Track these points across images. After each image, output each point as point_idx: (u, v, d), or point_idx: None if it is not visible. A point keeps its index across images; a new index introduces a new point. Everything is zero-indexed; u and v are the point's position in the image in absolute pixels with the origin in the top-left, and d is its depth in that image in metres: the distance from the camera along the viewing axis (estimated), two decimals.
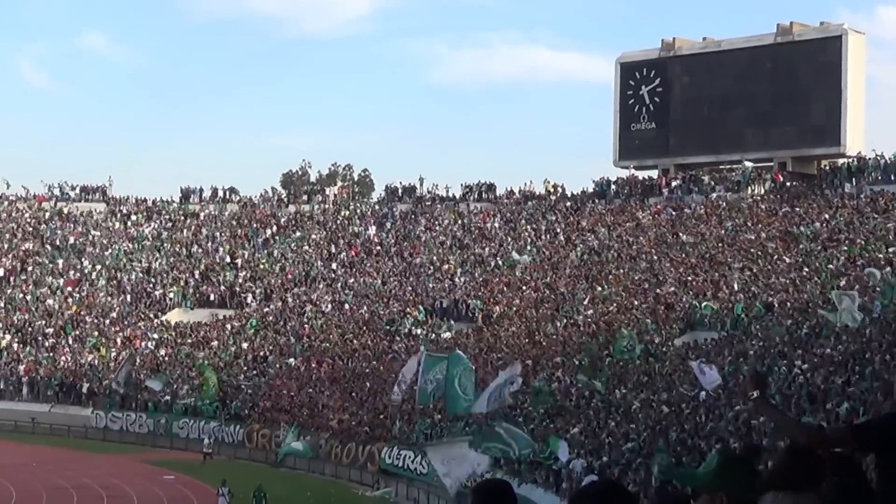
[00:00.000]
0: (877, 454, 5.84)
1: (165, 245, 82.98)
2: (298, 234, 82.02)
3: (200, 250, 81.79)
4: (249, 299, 74.08)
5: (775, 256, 57.73)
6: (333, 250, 78.67)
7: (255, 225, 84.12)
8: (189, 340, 69.68)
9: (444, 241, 75.05)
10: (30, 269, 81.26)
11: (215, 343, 68.17)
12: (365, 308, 68.36)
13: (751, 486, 5.61)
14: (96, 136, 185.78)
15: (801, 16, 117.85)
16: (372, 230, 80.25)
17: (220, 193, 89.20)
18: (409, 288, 69.50)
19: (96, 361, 68.45)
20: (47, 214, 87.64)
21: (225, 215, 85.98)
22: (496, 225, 75.21)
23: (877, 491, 5.85)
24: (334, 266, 76.38)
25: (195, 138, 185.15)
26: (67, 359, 69.26)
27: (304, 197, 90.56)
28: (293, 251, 79.76)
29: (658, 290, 58.09)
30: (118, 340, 70.96)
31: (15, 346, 71.71)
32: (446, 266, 71.14)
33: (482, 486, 5.84)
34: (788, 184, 67.38)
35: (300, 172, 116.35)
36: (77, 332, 72.43)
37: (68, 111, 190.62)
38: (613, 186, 75.22)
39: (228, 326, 70.48)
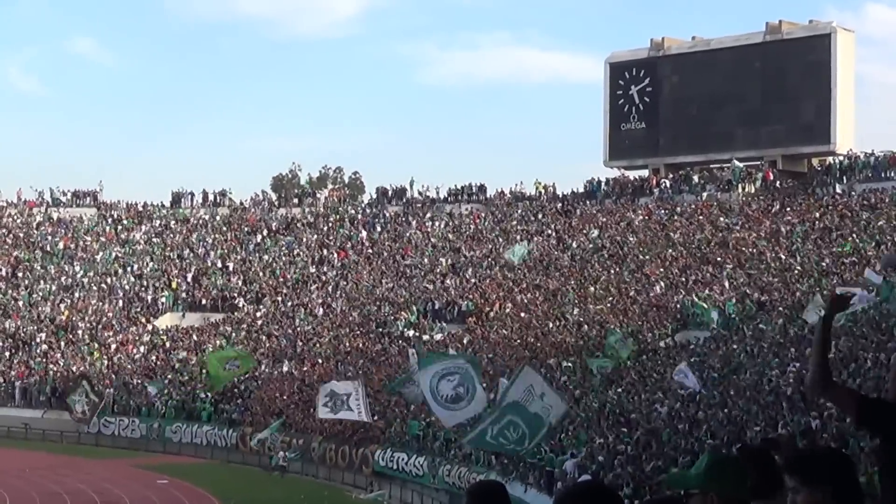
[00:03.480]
0: (881, 438, 5.80)
1: (157, 249, 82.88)
2: (290, 237, 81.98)
3: (192, 254, 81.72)
4: (241, 303, 74.03)
5: (766, 255, 57.84)
6: (325, 253, 78.64)
7: (246, 228, 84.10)
8: (182, 344, 69.66)
9: (435, 243, 75.06)
10: (21, 274, 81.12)
11: (208, 347, 68.12)
12: (357, 310, 68.36)
13: (740, 485, 5.62)
14: (86, 140, 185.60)
15: (790, 14, 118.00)
16: (363, 233, 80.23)
17: (211, 197, 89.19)
18: (401, 290, 69.50)
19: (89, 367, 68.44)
20: (38, 220, 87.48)
21: (216, 219, 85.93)
22: (487, 226, 75.24)
23: (881, 481, 5.80)
24: (326, 269, 76.35)
25: (185, 142, 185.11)
26: (60, 364, 69.15)
27: (295, 200, 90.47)
28: (284, 254, 79.74)
29: (649, 290, 58.18)
30: (111, 346, 70.88)
31: (7, 352, 71.56)
32: (438, 267, 71.16)
33: (477, 487, 5.86)
34: (779, 183, 67.49)
35: (290, 175, 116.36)
36: (69, 338, 72.29)
37: (58, 116, 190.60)
38: (604, 187, 75.31)
39: (220, 330, 70.48)
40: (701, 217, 65.75)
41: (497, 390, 41.09)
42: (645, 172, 74.52)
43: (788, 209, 63.23)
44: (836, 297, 6.27)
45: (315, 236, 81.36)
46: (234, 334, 69.39)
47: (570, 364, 50.29)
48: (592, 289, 60.60)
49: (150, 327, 73.23)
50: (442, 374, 38.09)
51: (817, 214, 61.01)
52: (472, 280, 67.83)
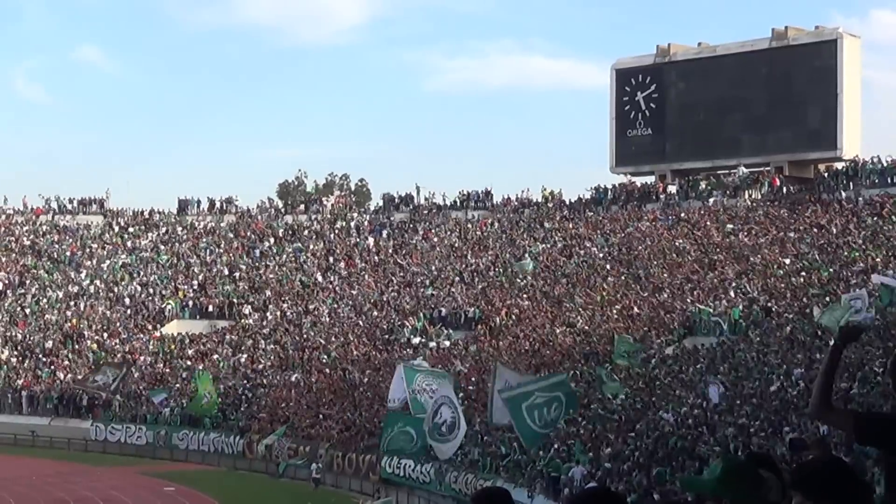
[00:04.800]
0: (884, 451, 5.80)
1: (163, 257, 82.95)
2: (296, 244, 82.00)
3: (198, 262, 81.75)
4: (248, 310, 74.04)
5: (773, 261, 57.77)
6: (331, 260, 78.66)
7: (252, 236, 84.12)
8: (189, 352, 69.67)
9: (441, 250, 75.05)
10: (28, 282, 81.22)
11: (215, 356, 68.18)
12: (363, 318, 68.35)
13: (753, 493, 5.59)
14: (93, 148, 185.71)
15: (796, 20, 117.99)
16: (370, 240, 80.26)
17: (218, 205, 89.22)
18: (408, 297, 69.49)
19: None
20: (45, 228, 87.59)
21: (222, 226, 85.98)
22: (494, 233, 75.22)
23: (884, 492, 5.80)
24: (332, 276, 76.37)
25: (191, 149, 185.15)
26: (67, 372, 69.19)
27: (301, 207, 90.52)
28: (291, 261, 79.76)
29: (656, 297, 58.11)
30: (118, 353, 70.91)
31: (14, 360, 71.64)
32: (444, 275, 71.14)
33: (482, 493, 5.85)
34: (786, 189, 67.37)
35: (296, 183, 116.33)
36: (76, 346, 72.34)
37: (64, 124, 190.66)
38: (610, 193, 75.25)
39: (227, 337, 70.53)
40: (707, 223, 65.68)
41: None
42: (651, 179, 74.46)
43: (795, 215, 63.15)
44: (848, 330, 6.28)
45: (321, 243, 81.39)
46: (240, 343, 69.44)
47: (577, 371, 50.26)
48: (599, 296, 60.56)
49: (157, 335, 73.28)
50: (441, 401, 37.74)
51: (824, 220, 60.92)
52: (479, 287, 67.80)
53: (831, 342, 6.24)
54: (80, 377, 65.91)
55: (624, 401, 44.03)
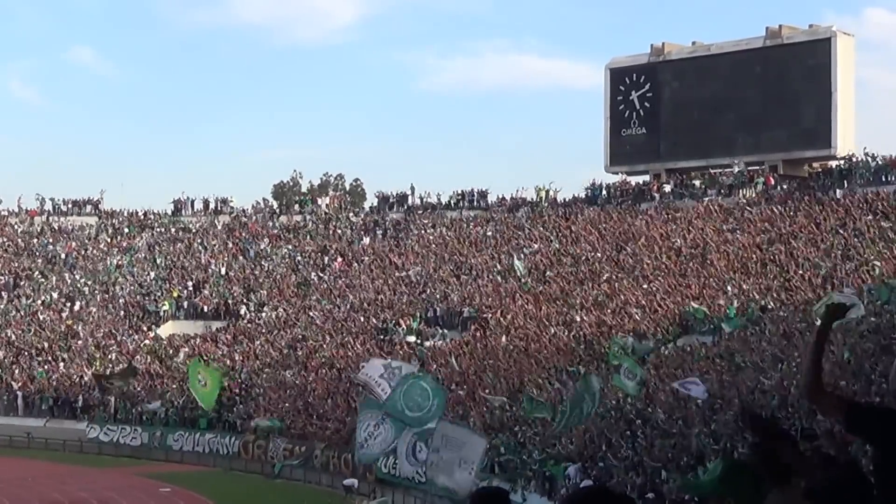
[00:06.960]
0: (872, 445, 5.77)
1: (158, 258, 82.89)
2: (291, 244, 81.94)
3: (193, 262, 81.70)
4: (243, 311, 73.99)
5: (768, 259, 57.81)
6: (326, 260, 78.60)
7: (247, 236, 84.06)
8: (184, 353, 69.62)
9: (436, 250, 74.98)
10: (22, 283, 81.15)
11: (211, 356, 68.15)
12: (359, 317, 68.27)
13: (756, 491, 5.60)
14: (87, 149, 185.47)
15: (790, 19, 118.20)
16: (364, 239, 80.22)
17: (212, 205, 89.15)
18: (402, 297, 69.43)
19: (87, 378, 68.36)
20: (39, 229, 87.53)
21: (217, 227, 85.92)
22: (489, 232, 75.15)
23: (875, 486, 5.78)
24: (327, 276, 76.32)
25: (185, 150, 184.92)
26: (62, 373, 69.12)
27: (296, 207, 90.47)
28: (286, 262, 79.70)
29: (651, 295, 58.11)
30: (113, 354, 70.86)
31: (9, 361, 71.54)
32: (439, 274, 71.08)
33: (480, 493, 5.84)
34: (780, 187, 67.39)
35: (291, 183, 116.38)
36: (71, 347, 72.25)
37: (58, 126, 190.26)
38: (605, 192, 75.23)
39: (222, 337, 70.49)
40: (702, 222, 65.67)
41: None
42: (646, 178, 74.44)
43: (790, 213, 63.16)
44: (834, 307, 6.23)
45: (316, 243, 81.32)
46: (234, 343, 69.41)
47: (574, 370, 50.25)
48: (594, 294, 60.54)
49: (151, 335, 73.22)
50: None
51: (818, 219, 60.95)
52: (474, 286, 67.74)
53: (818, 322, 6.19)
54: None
55: (621, 400, 44.04)
